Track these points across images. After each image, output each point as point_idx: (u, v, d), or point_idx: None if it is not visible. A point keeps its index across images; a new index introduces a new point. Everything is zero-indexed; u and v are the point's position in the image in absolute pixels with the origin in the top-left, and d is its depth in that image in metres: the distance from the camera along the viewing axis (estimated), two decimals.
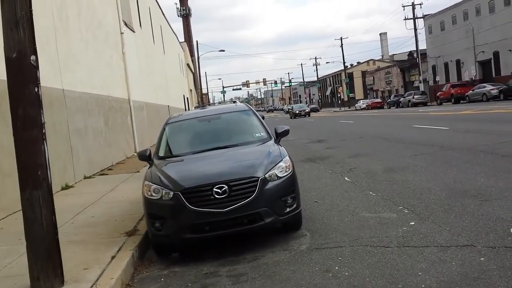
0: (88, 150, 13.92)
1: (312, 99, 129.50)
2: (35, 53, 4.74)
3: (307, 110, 61.54)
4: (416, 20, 58.63)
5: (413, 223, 6.07)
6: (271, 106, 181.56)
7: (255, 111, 8.19)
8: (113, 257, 5.65)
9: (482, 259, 4.58)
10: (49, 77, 10.92)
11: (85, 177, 13.17)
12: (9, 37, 4.67)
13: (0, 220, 8.25)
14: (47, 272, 4.65)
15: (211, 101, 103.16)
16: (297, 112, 60.14)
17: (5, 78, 8.07)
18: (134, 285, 5.29)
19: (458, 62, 56.59)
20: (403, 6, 59.52)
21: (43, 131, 4.73)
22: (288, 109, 65.47)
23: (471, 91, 42.64)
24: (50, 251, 4.68)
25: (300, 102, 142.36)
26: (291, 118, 59.08)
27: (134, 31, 23.56)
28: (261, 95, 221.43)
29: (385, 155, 12.55)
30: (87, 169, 13.53)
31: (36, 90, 4.69)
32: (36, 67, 4.71)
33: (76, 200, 9.81)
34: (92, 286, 4.75)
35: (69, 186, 11.69)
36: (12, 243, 6.66)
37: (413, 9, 58.57)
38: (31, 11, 4.79)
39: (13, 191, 8.57)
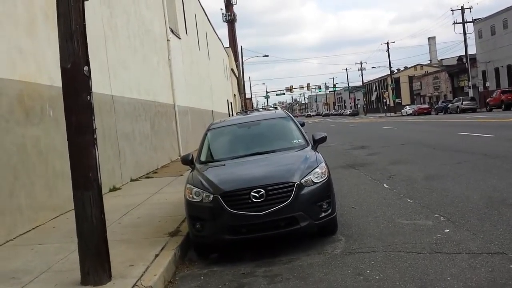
0: (135, 154, 14.49)
1: (357, 104, 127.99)
2: (88, 64, 5.13)
3: None
4: (465, 24, 57.33)
5: (447, 230, 6.14)
6: (315, 110, 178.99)
7: (294, 118, 8.42)
8: (156, 256, 5.98)
9: (511, 266, 4.65)
10: (99, 83, 11.47)
11: (132, 180, 13.71)
12: (64, 49, 5.07)
13: (53, 219, 8.77)
14: (96, 267, 5.02)
15: (254, 106, 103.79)
16: None
17: (59, 85, 8.58)
18: (176, 282, 5.60)
19: (509, 68, 54.83)
20: (452, 10, 58.50)
21: (94, 137, 5.11)
22: None
23: None
24: (99, 247, 5.05)
25: (345, 108, 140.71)
26: None
27: (180, 38, 24.20)
28: (305, 100, 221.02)
29: (426, 163, 12.48)
30: (134, 172, 14.09)
31: (88, 98, 5.07)
32: (88, 77, 5.10)
33: (123, 201, 10.29)
34: (137, 282, 5.08)
35: (116, 188, 12.22)
36: (63, 241, 7.10)
37: (463, 13, 57.33)
38: (84, 24, 5.18)
39: (64, 191, 9.13)
